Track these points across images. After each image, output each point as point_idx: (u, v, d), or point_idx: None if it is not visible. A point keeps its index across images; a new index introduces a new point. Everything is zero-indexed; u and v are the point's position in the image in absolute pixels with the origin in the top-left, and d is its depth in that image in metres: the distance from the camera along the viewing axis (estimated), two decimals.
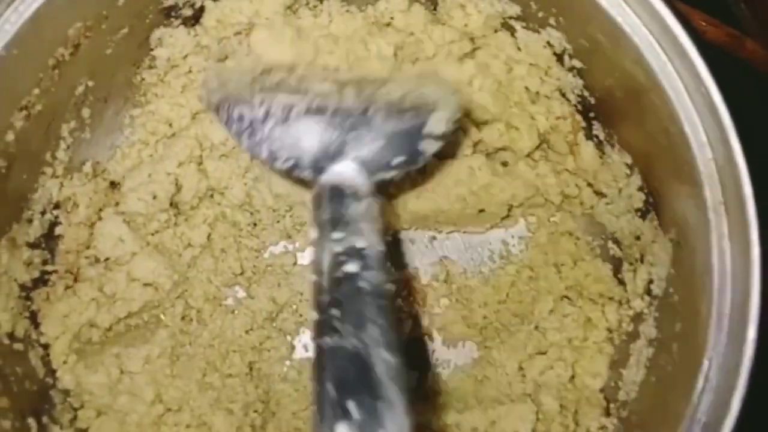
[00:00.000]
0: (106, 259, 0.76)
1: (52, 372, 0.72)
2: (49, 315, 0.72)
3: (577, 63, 0.75)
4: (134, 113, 0.78)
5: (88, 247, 0.74)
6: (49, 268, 0.74)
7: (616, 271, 0.80)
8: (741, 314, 0.60)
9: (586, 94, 0.77)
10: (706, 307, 0.63)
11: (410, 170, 0.66)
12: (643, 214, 0.74)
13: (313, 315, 0.54)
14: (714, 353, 0.62)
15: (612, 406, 0.75)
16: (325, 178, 0.63)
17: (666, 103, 0.65)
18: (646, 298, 0.73)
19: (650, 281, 0.73)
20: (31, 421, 0.67)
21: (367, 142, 0.64)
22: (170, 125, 0.75)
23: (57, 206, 0.75)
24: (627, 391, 0.73)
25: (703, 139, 0.63)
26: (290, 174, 0.66)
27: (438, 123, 0.64)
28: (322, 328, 0.53)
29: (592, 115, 0.78)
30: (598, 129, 0.78)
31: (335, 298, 0.54)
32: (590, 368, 0.78)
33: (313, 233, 0.60)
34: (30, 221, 0.72)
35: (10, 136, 0.67)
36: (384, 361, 0.50)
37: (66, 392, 0.72)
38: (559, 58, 0.77)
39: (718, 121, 0.62)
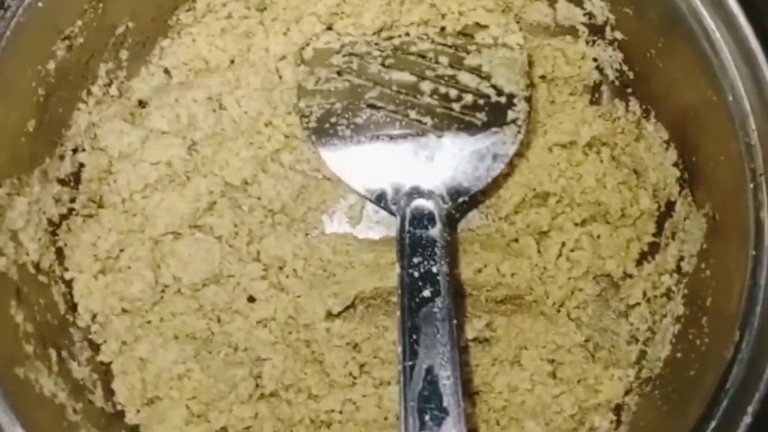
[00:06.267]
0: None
1: (72, 309, 0.72)
2: (74, 245, 0.71)
3: (618, 35, 0.75)
4: (164, 44, 0.77)
5: (110, 173, 0.73)
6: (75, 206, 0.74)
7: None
8: None
9: (624, 68, 0.77)
10: (740, 279, 0.62)
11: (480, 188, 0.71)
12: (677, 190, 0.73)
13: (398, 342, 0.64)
14: (747, 325, 0.61)
15: (634, 383, 0.74)
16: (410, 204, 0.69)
17: (711, 72, 0.64)
18: (675, 275, 0.73)
19: (681, 258, 0.72)
20: (52, 352, 0.67)
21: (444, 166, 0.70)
22: (206, 63, 0.74)
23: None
24: (651, 368, 0.72)
25: (747, 110, 0.63)
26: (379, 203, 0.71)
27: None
28: (405, 353, 0.63)
29: (629, 90, 0.77)
30: (634, 105, 0.77)
31: (414, 324, 0.63)
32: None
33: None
34: (62, 157, 0.72)
35: (51, 65, 0.67)
36: (447, 377, 0.62)
37: (86, 330, 0.72)
38: (600, 30, 0.76)
39: (762, 91, 0.62)
